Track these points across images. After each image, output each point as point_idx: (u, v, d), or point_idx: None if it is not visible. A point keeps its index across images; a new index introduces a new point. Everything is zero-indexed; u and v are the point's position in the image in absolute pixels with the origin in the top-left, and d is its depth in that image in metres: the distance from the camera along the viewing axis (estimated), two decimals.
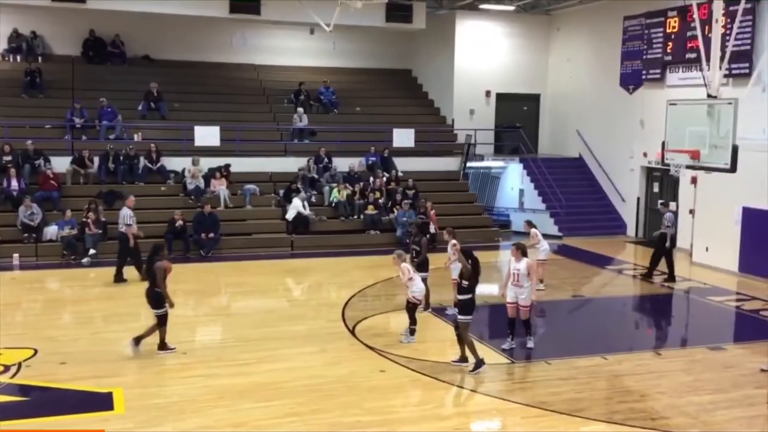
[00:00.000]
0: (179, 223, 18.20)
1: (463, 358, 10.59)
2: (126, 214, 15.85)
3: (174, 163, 21.03)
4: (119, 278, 15.68)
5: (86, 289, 15.83)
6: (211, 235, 18.60)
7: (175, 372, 10.27)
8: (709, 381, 10.28)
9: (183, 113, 22.85)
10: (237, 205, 20.50)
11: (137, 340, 10.98)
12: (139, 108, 22.46)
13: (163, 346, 10.97)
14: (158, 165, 20.70)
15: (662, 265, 16.61)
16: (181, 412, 8.83)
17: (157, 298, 10.83)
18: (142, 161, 20.57)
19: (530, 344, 11.36)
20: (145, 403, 9.08)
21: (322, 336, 12.10)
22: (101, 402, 9.15)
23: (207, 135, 20.96)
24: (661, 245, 16.56)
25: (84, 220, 17.82)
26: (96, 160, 20.21)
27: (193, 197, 19.99)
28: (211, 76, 25.07)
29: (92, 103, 21.60)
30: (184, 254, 17.94)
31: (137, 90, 22.77)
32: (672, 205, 20.10)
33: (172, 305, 10.92)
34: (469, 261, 10.44)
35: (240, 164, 21.29)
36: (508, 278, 11.42)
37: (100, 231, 17.94)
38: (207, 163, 20.87)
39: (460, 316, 10.50)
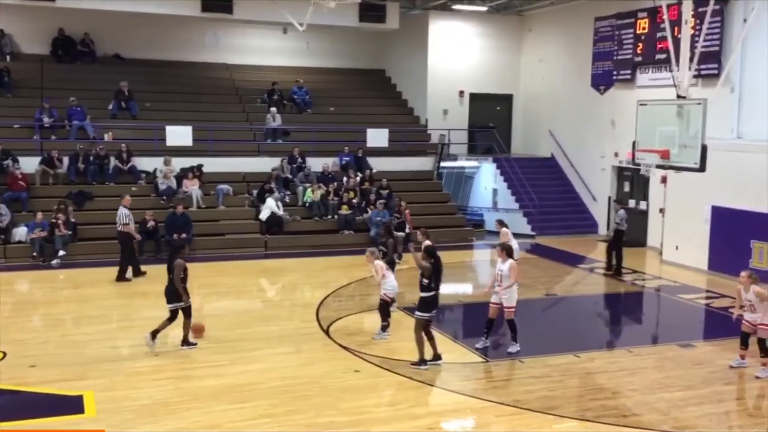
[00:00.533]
0: (150, 223, 18.01)
1: (436, 356, 10.63)
2: (122, 213, 15.92)
3: (145, 163, 20.81)
4: (138, 272, 15.95)
5: (56, 291, 15.63)
6: (184, 235, 18.42)
7: (147, 374, 10.16)
8: (680, 378, 10.41)
9: (154, 113, 22.63)
10: (210, 206, 20.35)
11: (184, 342, 11.27)
12: (110, 107, 22.21)
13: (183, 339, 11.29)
14: (129, 165, 20.47)
15: (635, 263, 16.83)
16: (153, 415, 8.74)
17: (173, 293, 11.10)
18: (113, 161, 20.33)
19: (512, 349, 11.26)
20: (116, 405, 8.97)
21: (296, 337, 12.06)
22: (71, 405, 9.03)
23: (179, 135, 20.76)
24: (616, 240, 17.02)
25: (53, 221, 17.58)
26: (65, 160, 19.94)
27: (164, 197, 19.81)
28: (183, 75, 24.88)
29: (61, 103, 21.31)
30: (155, 255, 17.75)
31: (107, 89, 22.52)
32: (642, 204, 20.38)
33: (185, 301, 11.12)
34: (432, 260, 10.49)
35: (213, 164, 21.14)
36: (493, 279, 11.45)
37: (70, 232, 17.73)
38: (179, 163, 20.69)
39: (417, 313, 10.57)
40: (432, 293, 10.46)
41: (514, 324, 11.29)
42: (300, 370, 10.41)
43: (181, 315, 11.20)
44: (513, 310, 11.24)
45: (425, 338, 10.57)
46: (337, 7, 19.52)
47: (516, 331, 11.29)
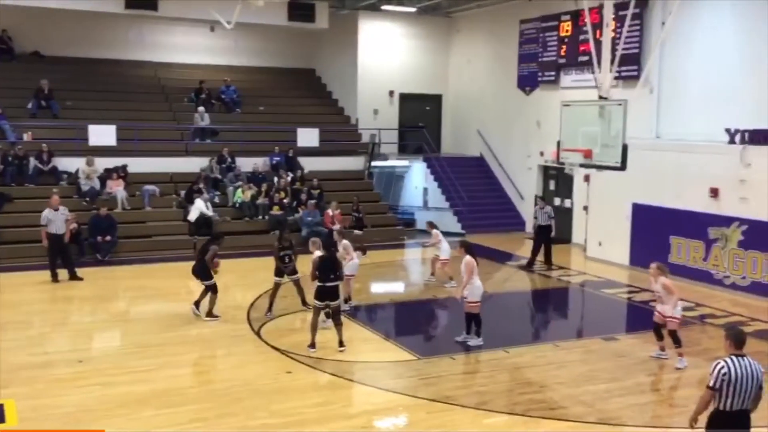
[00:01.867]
0: (73, 226, 17.43)
1: (340, 343, 11.13)
2: (41, 215, 15.65)
3: (67, 164, 20.15)
4: (73, 276, 15.80)
5: None
6: (108, 238, 17.96)
7: (71, 381, 9.85)
8: (604, 370, 10.72)
9: (76, 111, 21.94)
10: (135, 207, 19.86)
11: (208, 314, 12.77)
12: (29, 106, 21.40)
13: (209, 313, 12.77)
14: (50, 166, 19.79)
15: (560, 260, 17.25)
16: (78, 423, 8.46)
17: (204, 271, 12.72)
18: (32, 162, 19.61)
19: (472, 342, 11.61)
20: (38, 414, 8.66)
21: (226, 339, 11.90)
22: None
23: (102, 134, 20.20)
24: (548, 236, 17.62)
25: None
26: None
27: (88, 199, 19.24)
28: (106, 73, 24.19)
29: None
30: (78, 258, 17.21)
31: (27, 87, 21.71)
32: (566, 202, 20.89)
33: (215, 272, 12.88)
34: (326, 253, 11.42)
35: (138, 164, 20.63)
36: None
37: None
38: (103, 163, 20.11)
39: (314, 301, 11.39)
40: (324, 284, 11.04)
41: (472, 318, 11.69)
42: (231, 373, 10.28)
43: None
44: (474, 304, 11.64)
45: (321, 325, 11.39)
46: (266, 5, 19.37)
47: (478, 325, 11.69)
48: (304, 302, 13.23)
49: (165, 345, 11.47)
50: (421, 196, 25.13)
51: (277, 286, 13.18)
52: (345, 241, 13.31)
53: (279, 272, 13.14)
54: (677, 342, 10.80)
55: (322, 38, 26.74)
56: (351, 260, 13.23)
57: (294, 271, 13.21)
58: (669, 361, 10.96)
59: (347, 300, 13.49)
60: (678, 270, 16.46)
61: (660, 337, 11.06)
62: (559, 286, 16.81)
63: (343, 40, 26.24)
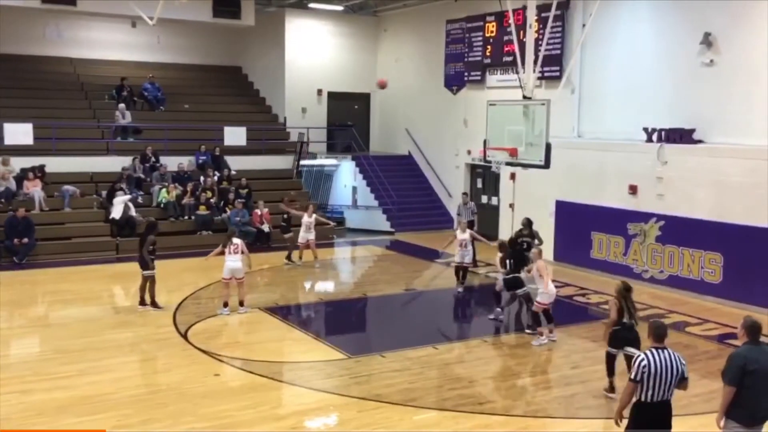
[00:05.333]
0: None
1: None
2: None
3: None
4: None
5: None
6: (25, 240, 17.28)
7: None
8: (530, 364, 10.97)
9: None
10: (54, 208, 19.16)
11: (152, 304, 13.39)
12: None
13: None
14: None
15: (487, 256, 17.47)
16: None
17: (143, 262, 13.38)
18: None
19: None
20: None
21: (151, 343, 11.62)
22: None
23: (18, 133, 19.42)
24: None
25: None
26: None
27: (3, 200, 18.47)
28: (21, 69, 23.29)
29: None
30: None
31: None
32: (493, 200, 21.24)
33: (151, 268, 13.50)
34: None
35: (57, 164, 19.91)
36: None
37: None
38: (19, 163, 19.35)
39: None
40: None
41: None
42: (156, 378, 10.04)
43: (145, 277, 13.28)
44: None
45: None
46: (190, 1, 18.98)
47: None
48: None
49: (86, 350, 11.10)
50: (351, 195, 25.12)
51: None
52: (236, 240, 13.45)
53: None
54: (537, 322, 11.95)
55: (249, 35, 26.41)
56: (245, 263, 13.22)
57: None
58: (591, 354, 11.28)
59: (241, 303, 13.28)
60: (599, 265, 17.02)
61: (549, 320, 12.06)
62: (487, 283, 17.03)
63: (270, 38, 25.97)
